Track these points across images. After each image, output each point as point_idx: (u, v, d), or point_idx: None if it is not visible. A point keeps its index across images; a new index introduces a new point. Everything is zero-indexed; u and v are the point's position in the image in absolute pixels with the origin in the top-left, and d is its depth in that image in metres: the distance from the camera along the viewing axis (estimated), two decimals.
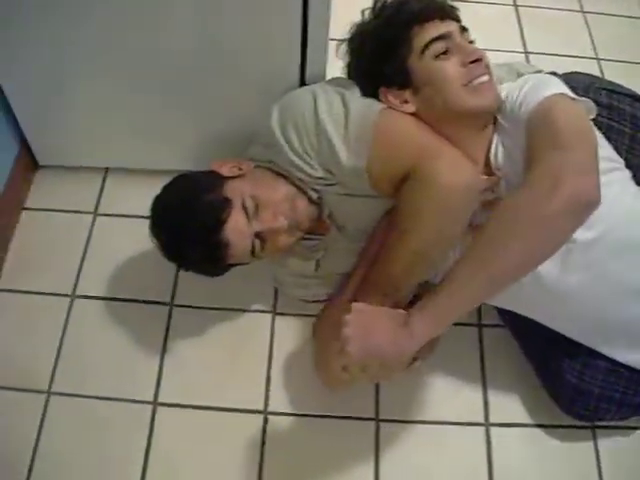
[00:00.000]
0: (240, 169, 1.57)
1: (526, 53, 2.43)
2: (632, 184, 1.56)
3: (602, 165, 1.31)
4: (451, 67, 1.47)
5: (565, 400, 1.62)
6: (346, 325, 1.28)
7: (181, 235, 1.50)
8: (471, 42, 1.55)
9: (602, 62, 2.43)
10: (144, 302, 1.81)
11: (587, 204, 1.25)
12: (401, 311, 1.32)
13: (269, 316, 1.80)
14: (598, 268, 1.46)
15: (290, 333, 1.77)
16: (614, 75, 2.29)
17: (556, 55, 2.40)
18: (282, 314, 1.80)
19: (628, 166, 1.56)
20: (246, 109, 1.70)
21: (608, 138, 1.57)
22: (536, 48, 2.44)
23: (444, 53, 1.48)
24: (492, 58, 1.76)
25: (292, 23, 1.54)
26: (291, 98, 1.56)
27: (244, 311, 1.81)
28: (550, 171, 1.25)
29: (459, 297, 1.26)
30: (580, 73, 1.80)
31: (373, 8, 1.58)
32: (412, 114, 1.52)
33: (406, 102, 1.52)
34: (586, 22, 2.56)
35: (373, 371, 1.31)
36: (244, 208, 1.49)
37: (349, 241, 1.66)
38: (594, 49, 2.48)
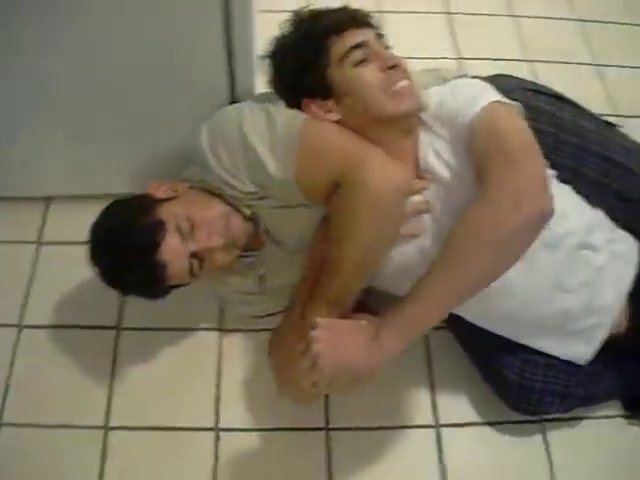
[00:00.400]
0: (174, 191, 1.59)
1: (460, 59, 2.47)
2: (557, 183, 1.60)
3: None
4: (369, 74, 1.51)
5: (509, 397, 1.65)
6: (315, 341, 1.29)
7: (119, 259, 1.51)
8: (388, 48, 1.58)
9: (534, 63, 2.47)
10: (91, 327, 1.81)
11: (546, 217, 1.31)
12: (365, 322, 1.35)
13: (216, 334, 1.81)
14: (531, 263, 1.49)
15: (237, 349, 1.78)
16: (546, 75, 2.37)
17: (490, 59, 2.44)
18: (229, 331, 1.82)
19: (553, 166, 1.60)
20: (179, 130, 1.71)
21: None
22: (470, 54, 2.48)
23: (362, 61, 1.51)
24: (426, 65, 1.81)
25: (215, 44, 1.57)
26: (218, 117, 1.58)
27: (191, 330, 1.82)
28: (509, 188, 1.30)
29: (428, 310, 1.31)
30: (503, 75, 1.83)
31: (292, 21, 1.61)
32: (337, 122, 1.54)
33: (330, 111, 1.55)
34: (517, 25, 2.62)
35: (343, 385, 1.34)
36: (178, 229, 1.50)
37: (289, 254, 1.67)
38: (526, 51, 2.52)
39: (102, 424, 1.68)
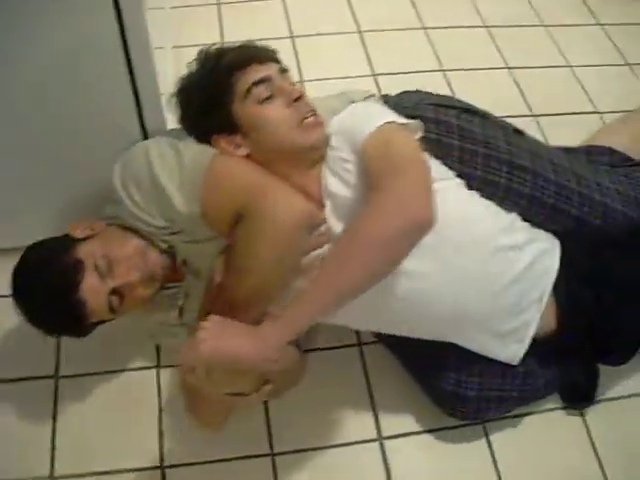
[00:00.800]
0: (92, 229, 1.61)
1: (375, 76, 2.51)
2: (465, 190, 1.64)
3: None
4: (275, 111, 1.54)
5: (446, 407, 1.69)
6: (201, 329, 1.32)
7: (39, 300, 1.54)
8: (292, 84, 1.61)
9: (447, 73, 2.54)
10: (29, 379, 1.80)
11: (426, 225, 1.34)
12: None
13: (154, 371, 1.81)
14: (448, 267, 1.53)
15: (176, 384, 1.77)
16: (461, 83, 2.44)
17: (404, 73, 2.50)
18: (166, 367, 1.82)
19: (460, 176, 1.65)
20: (96, 173, 1.69)
21: (438, 152, 1.65)
22: (384, 69, 2.54)
23: (268, 97, 1.53)
24: (343, 85, 1.85)
25: (121, 87, 1.59)
26: (129, 154, 1.60)
27: (129, 370, 1.82)
28: (392, 194, 1.34)
29: (308, 307, 1.35)
30: (409, 92, 1.88)
31: (198, 59, 1.63)
32: (247, 156, 1.57)
33: (239, 146, 1.57)
34: (428, 38, 2.68)
35: (222, 378, 1.36)
36: (96, 268, 1.52)
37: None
38: (439, 62, 2.59)
39: (47, 474, 1.65)
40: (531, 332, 1.62)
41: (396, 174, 1.37)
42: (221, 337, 1.32)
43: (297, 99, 1.54)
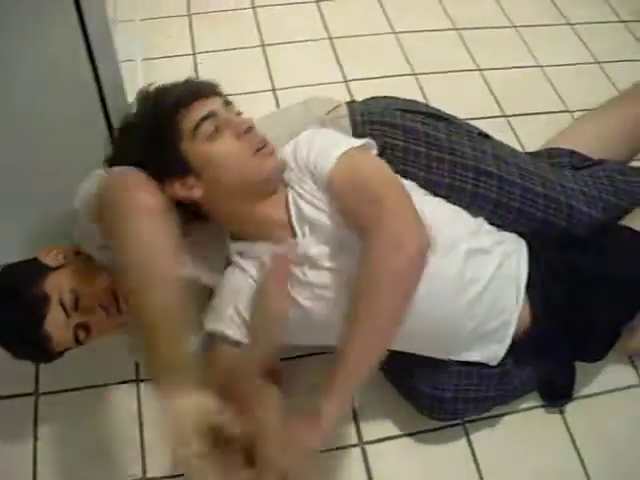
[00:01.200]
0: (64, 257, 1.60)
1: (346, 82, 2.53)
2: (432, 197, 1.67)
3: None
4: (226, 144, 1.50)
5: (424, 409, 1.70)
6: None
7: (5, 330, 1.55)
8: (239, 114, 1.57)
9: (419, 77, 2.56)
10: (9, 397, 1.79)
11: (428, 247, 1.36)
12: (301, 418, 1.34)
13: (134, 385, 1.81)
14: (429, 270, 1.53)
15: (155, 396, 1.78)
16: (434, 86, 2.47)
17: (376, 78, 2.52)
18: (146, 380, 1.81)
19: (427, 183, 1.67)
20: (67, 192, 1.70)
21: (406, 159, 1.67)
22: (356, 75, 2.55)
23: (215, 132, 1.49)
24: (315, 92, 1.86)
25: (89, 102, 1.61)
26: (87, 179, 1.57)
27: (109, 384, 1.81)
28: (388, 236, 1.33)
29: (358, 367, 1.33)
30: (377, 97, 1.89)
31: (137, 100, 1.58)
32: (203, 196, 1.52)
33: (192, 187, 1.51)
34: (399, 42, 2.70)
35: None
36: (62, 303, 1.52)
37: None
38: (411, 66, 2.61)
39: None
40: (511, 332, 1.63)
41: (378, 208, 1.36)
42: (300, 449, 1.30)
43: (247, 130, 1.51)
